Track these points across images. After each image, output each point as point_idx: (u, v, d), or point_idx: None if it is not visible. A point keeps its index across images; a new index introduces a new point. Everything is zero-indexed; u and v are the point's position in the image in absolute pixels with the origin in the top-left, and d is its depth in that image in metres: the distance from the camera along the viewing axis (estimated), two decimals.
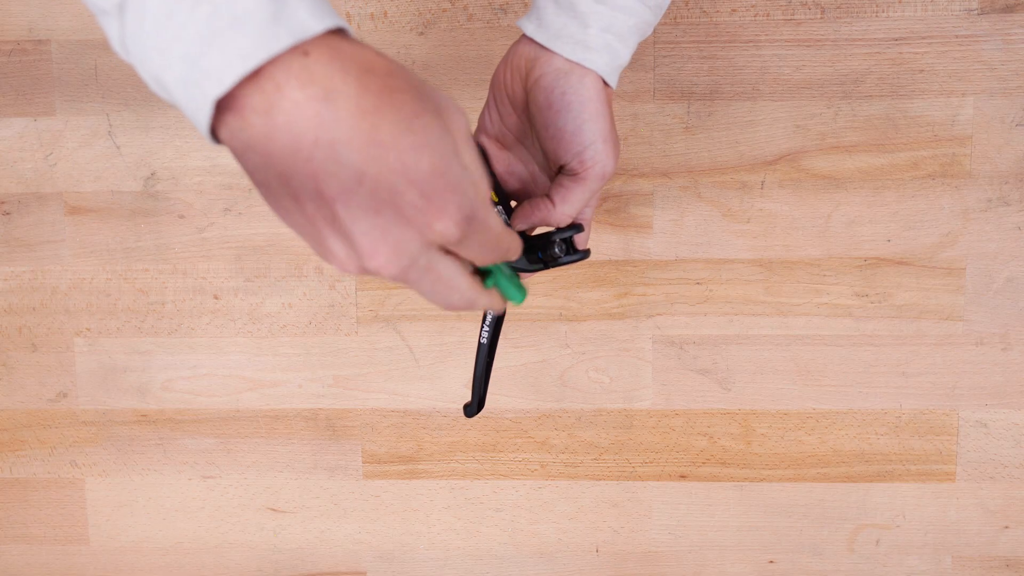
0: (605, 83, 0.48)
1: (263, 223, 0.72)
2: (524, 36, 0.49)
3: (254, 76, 0.30)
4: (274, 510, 0.75)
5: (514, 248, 0.39)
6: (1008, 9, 0.65)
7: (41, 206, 0.72)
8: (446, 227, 0.32)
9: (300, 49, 0.30)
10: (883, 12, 0.66)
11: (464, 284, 0.36)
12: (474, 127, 0.54)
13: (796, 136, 0.68)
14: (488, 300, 0.40)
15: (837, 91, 0.67)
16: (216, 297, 0.72)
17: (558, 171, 0.50)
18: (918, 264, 0.69)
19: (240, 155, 0.32)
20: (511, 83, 0.50)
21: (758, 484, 0.72)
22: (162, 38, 0.30)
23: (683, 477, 0.72)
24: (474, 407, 0.55)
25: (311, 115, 0.30)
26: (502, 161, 0.53)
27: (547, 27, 0.47)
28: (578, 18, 0.46)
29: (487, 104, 0.52)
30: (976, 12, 0.65)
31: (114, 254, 0.73)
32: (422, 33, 0.69)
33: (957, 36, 0.66)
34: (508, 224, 0.51)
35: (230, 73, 0.29)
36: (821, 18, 0.66)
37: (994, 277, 0.68)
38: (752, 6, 0.67)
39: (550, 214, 0.49)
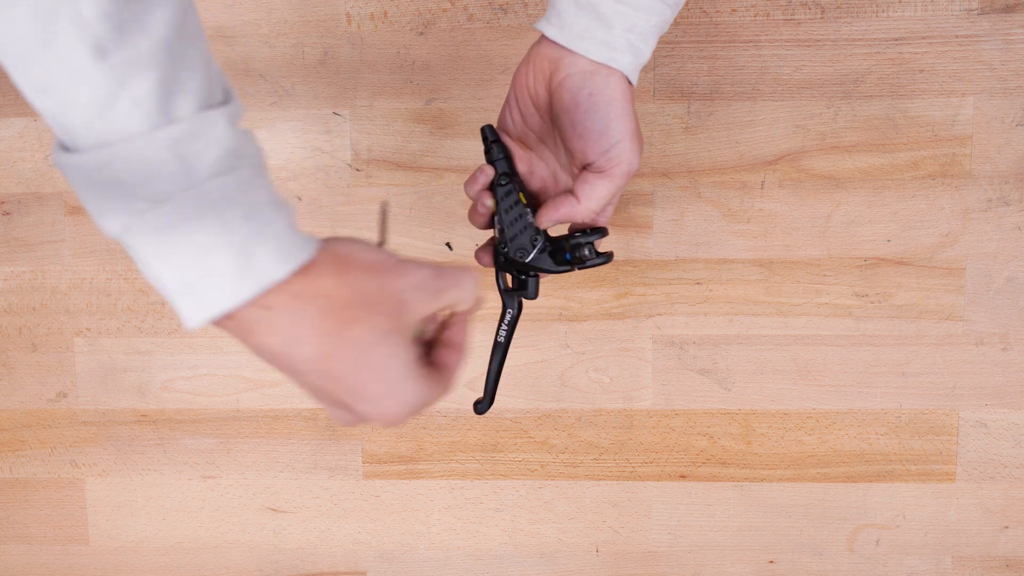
0: (628, 81, 0.49)
1: None
2: (544, 38, 0.49)
3: (229, 314, 0.35)
4: (274, 510, 0.75)
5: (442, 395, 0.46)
6: (1008, 9, 0.65)
7: (41, 206, 0.72)
8: (390, 426, 0.40)
9: (262, 303, 0.35)
10: (883, 12, 0.66)
11: None
12: (488, 122, 0.55)
13: (796, 136, 0.68)
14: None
15: (837, 91, 0.67)
16: None
17: (582, 169, 0.50)
18: (918, 264, 0.69)
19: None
20: (534, 85, 0.51)
21: (758, 484, 0.72)
22: (150, 273, 0.35)
23: (683, 477, 0.72)
24: (486, 404, 0.56)
25: (278, 351, 0.36)
26: (524, 161, 0.54)
27: (569, 29, 0.48)
28: (601, 19, 0.47)
29: (508, 105, 0.53)
30: (976, 12, 0.65)
31: (114, 254, 0.73)
32: (422, 33, 0.69)
33: (957, 36, 0.66)
34: (533, 222, 0.52)
35: (200, 317, 0.35)
36: (821, 18, 0.66)
37: (994, 277, 0.68)
38: (752, 6, 0.67)
39: (575, 210, 0.50)
